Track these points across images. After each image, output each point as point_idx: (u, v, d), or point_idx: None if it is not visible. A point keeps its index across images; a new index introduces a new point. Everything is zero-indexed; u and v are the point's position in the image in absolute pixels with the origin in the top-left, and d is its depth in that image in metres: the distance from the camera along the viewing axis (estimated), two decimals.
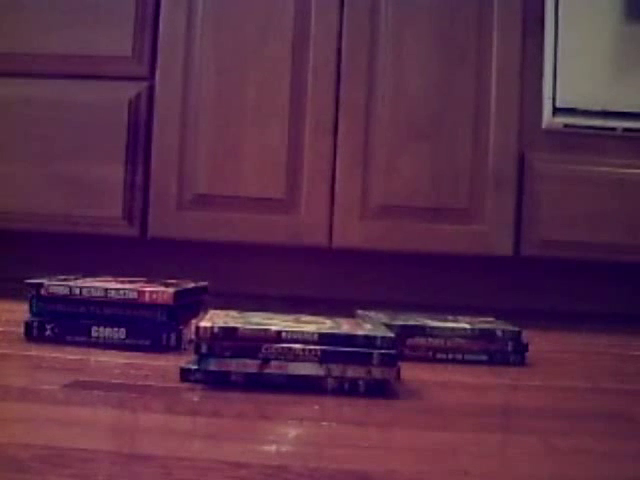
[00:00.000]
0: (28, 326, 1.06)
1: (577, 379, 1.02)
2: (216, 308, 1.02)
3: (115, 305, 1.04)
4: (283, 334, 0.84)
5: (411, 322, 1.12)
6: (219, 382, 0.84)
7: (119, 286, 1.05)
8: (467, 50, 1.65)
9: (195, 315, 1.12)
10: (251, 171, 1.65)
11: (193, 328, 0.89)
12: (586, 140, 1.65)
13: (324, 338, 0.85)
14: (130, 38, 1.67)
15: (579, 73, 1.63)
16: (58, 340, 1.05)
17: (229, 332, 0.84)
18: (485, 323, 1.16)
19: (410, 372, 0.97)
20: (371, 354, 0.84)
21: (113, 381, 0.84)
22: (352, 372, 0.84)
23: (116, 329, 1.04)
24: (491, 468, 0.60)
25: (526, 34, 1.66)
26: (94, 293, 1.04)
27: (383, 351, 0.84)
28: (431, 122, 1.65)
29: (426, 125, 1.65)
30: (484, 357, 1.10)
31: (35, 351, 0.99)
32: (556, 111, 1.63)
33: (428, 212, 1.65)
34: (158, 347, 1.04)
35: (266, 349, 0.84)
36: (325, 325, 0.90)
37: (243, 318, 0.91)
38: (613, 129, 1.63)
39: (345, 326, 0.91)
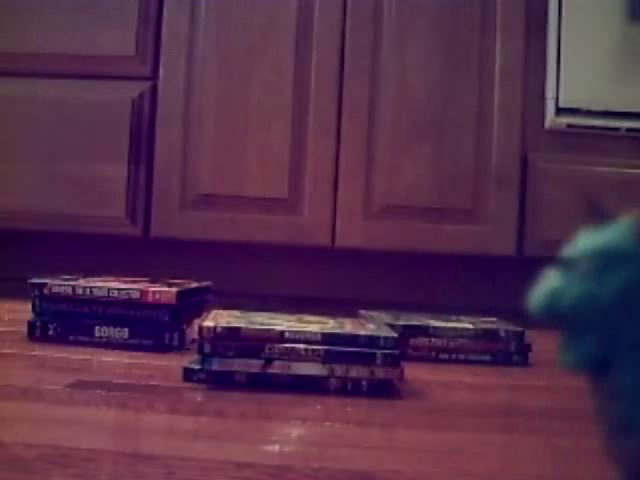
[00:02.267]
0: (31, 326, 1.06)
1: (580, 379, 1.02)
2: (219, 308, 1.02)
3: (118, 305, 1.04)
4: (286, 334, 0.84)
5: (414, 322, 1.12)
6: (222, 382, 0.84)
7: (122, 286, 1.05)
8: (470, 50, 1.65)
9: (198, 315, 1.12)
10: (254, 171, 1.65)
11: (196, 328, 0.89)
12: (589, 140, 1.65)
13: (327, 338, 0.85)
14: (133, 38, 1.67)
15: (582, 73, 1.63)
16: (61, 340, 1.05)
17: (232, 332, 0.84)
18: (488, 323, 1.16)
19: (413, 372, 0.97)
20: (374, 354, 0.84)
21: (116, 381, 0.84)
22: (355, 372, 0.84)
23: (119, 329, 1.04)
24: (494, 468, 0.60)
25: (529, 34, 1.66)
26: (97, 293, 1.04)
27: (386, 351, 0.84)
28: (434, 122, 1.65)
29: (429, 125, 1.65)
30: (487, 357, 1.10)
31: (38, 351, 0.99)
32: (559, 111, 1.63)
33: (431, 212, 1.64)
34: (161, 347, 1.04)
35: (269, 349, 0.84)
36: (328, 325, 0.90)
37: (246, 318, 0.91)
38: (616, 129, 1.63)
39: (348, 326, 0.91)
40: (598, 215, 0.41)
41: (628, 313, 0.37)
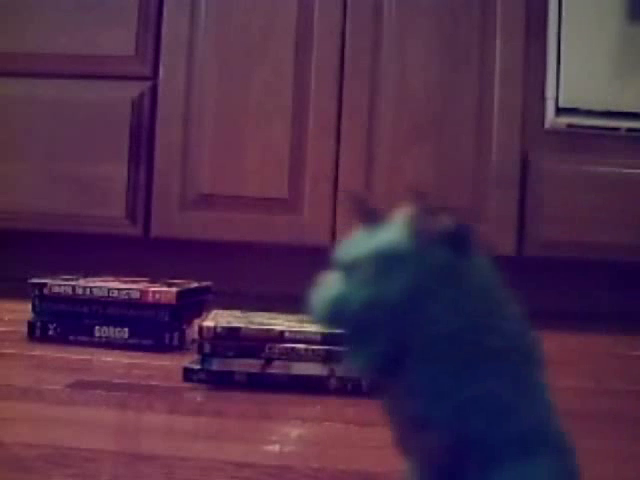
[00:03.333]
0: (31, 326, 1.06)
1: (580, 379, 1.02)
2: (219, 308, 1.02)
3: (118, 305, 1.04)
4: (286, 334, 0.84)
5: None
6: (222, 382, 0.84)
7: (122, 286, 1.05)
8: (470, 50, 1.65)
9: (198, 315, 1.12)
10: (254, 171, 1.65)
11: (196, 328, 0.89)
12: (589, 140, 1.65)
13: (327, 338, 0.85)
14: (133, 38, 1.67)
15: (582, 73, 1.63)
16: (61, 340, 1.05)
17: (232, 332, 0.84)
18: None
19: None
20: None
21: (116, 381, 0.84)
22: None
23: (119, 329, 1.04)
24: None
25: (529, 34, 1.65)
26: (97, 293, 1.04)
27: None
28: (434, 122, 1.65)
29: (429, 125, 1.65)
30: None
31: (38, 351, 0.99)
32: (559, 111, 1.63)
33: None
34: (161, 347, 1.04)
35: (269, 349, 0.84)
36: None
37: (246, 318, 0.91)
38: (616, 129, 1.63)
39: None
40: (369, 215, 0.41)
41: (414, 313, 0.37)
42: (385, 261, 0.38)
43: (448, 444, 0.38)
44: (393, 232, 0.39)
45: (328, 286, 0.39)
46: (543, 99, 1.65)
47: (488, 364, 0.38)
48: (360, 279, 0.38)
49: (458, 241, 0.39)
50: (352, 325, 0.38)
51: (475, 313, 0.38)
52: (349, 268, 0.39)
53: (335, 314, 0.38)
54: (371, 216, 0.41)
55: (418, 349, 0.37)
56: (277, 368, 0.84)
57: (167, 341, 1.04)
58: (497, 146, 1.64)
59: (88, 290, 1.04)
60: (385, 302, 0.37)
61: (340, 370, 0.84)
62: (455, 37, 1.65)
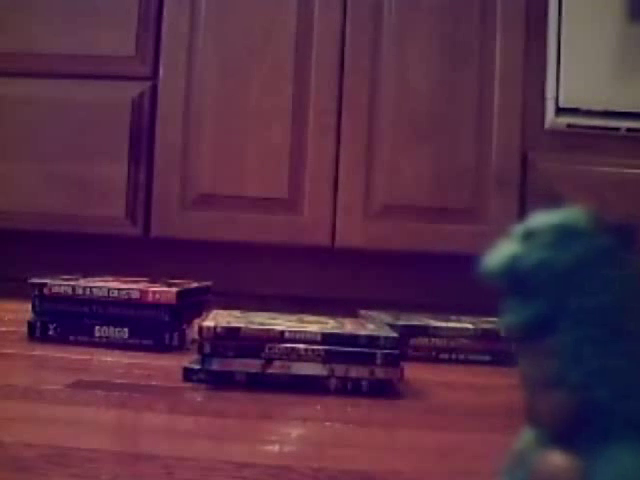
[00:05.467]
0: (31, 326, 1.06)
1: None
2: (219, 308, 1.02)
3: (118, 305, 1.04)
4: (286, 334, 0.84)
5: (414, 322, 1.12)
6: (222, 382, 0.84)
7: (122, 286, 1.05)
8: (470, 50, 1.65)
9: (198, 315, 1.12)
10: (254, 171, 1.65)
11: (196, 328, 0.89)
12: (589, 140, 1.65)
13: (327, 338, 0.85)
14: (133, 38, 1.67)
15: (582, 73, 1.63)
16: (61, 340, 1.05)
17: (232, 332, 0.84)
18: (488, 323, 1.16)
19: (413, 372, 0.97)
20: (374, 354, 0.84)
21: (116, 381, 0.84)
22: (355, 372, 0.84)
23: (119, 329, 1.04)
24: (494, 468, 0.60)
25: (529, 34, 1.65)
26: (97, 293, 1.04)
27: (386, 351, 0.84)
28: (434, 122, 1.65)
29: (429, 125, 1.65)
30: (487, 357, 1.10)
31: (38, 351, 0.99)
32: (559, 111, 1.63)
33: (431, 212, 1.64)
34: (161, 347, 1.04)
35: (269, 349, 0.84)
36: (328, 325, 0.90)
37: (246, 318, 0.91)
38: (616, 129, 1.63)
39: (348, 326, 0.91)
40: (554, 200, 0.47)
41: (577, 281, 0.42)
42: (563, 233, 0.43)
43: (575, 406, 0.42)
44: (573, 214, 0.44)
45: (507, 247, 0.44)
46: (543, 99, 1.65)
47: (622, 343, 0.42)
48: (537, 244, 0.43)
49: (624, 235, 0.43)
50: (520, 281, 0.43)
51: (622, 297, 0.42)
52: (528, 235, 0.44)
53: (508, 269, 0.43)
54: (556, 201, 0.47)
55: (570, 315, 0.42)
56: (277, 368, 0.84)
57: (167, 341, 1.04)
58: (497, 146, 1.64)
59: (88, 290, 1.04)
60: (554, 267, 0.42)
61: (340, 370, 0.84)
62: (455, 36, 1.65)
